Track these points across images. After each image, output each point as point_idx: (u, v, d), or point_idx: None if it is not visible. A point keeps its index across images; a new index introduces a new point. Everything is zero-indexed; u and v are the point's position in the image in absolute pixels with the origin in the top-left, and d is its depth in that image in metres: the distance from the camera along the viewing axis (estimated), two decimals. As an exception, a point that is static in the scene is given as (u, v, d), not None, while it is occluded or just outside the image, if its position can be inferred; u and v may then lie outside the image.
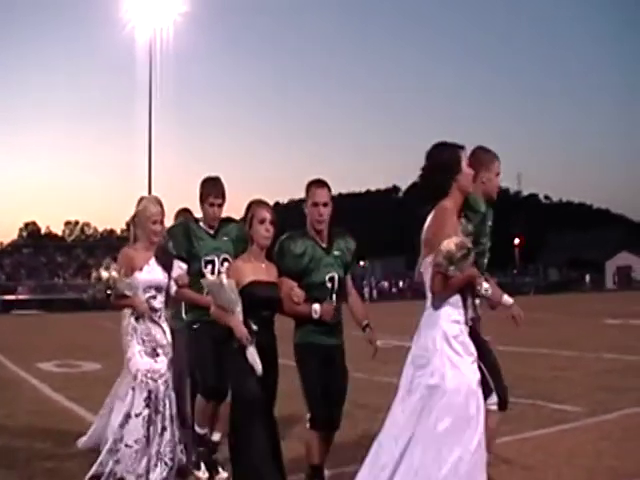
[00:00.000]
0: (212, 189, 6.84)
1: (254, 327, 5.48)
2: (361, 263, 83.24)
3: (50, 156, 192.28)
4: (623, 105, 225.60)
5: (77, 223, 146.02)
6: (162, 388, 6.21)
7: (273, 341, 5.71)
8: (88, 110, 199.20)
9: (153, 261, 6.45)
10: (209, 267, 6.79)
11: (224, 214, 7.01)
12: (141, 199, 6.58)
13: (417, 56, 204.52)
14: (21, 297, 58.96)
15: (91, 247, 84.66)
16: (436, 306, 4.67)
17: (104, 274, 6.25)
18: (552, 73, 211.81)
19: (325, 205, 5.86)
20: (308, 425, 5.81)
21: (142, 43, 60.27)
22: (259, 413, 5.45)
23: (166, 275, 6.49)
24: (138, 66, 63.19)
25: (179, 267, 6.71)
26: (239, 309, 5.48)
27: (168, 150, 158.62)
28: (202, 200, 6.86)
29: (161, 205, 6.50)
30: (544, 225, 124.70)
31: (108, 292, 6.30)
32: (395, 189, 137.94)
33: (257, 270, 5.68)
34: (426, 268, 4.73)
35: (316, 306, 5.74)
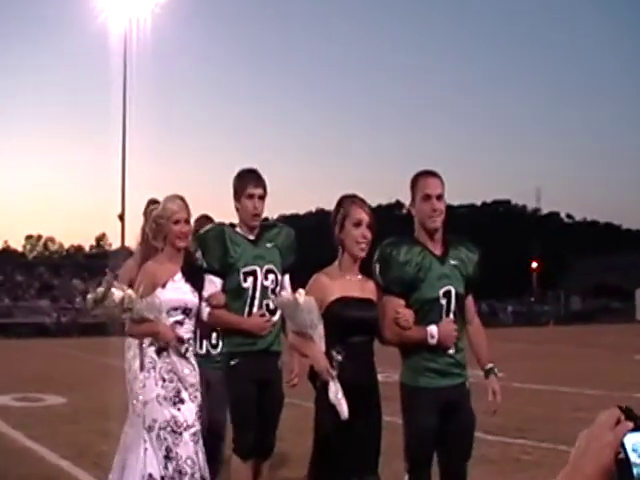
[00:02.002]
0: (250, 179, 6.10)
1: (338, 358, 4.79)
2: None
3: (9, 163, 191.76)
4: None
5: (40, 238, 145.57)
6: (190, 444, 5.42)
7: (370, 376, 5.01)
8: (53, 109, 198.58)
9: (179, 276, 5.69)
10: (249, 280, 5.95)
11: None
12: (151, 202, 6.01)
13: (423, 64, 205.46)
14: (-25, 321, 58.81)
15: (56, 265, 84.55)
16: None
17: (117, 292, 5.44)
18: (577, 76, 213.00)
19: (439, 198, 5.15)
20: None
21: (116, 35, 60.26)
22: (342, 469, 4.79)
23: (196, 294, 5.75)
24: (111, 61, 62.99)
25: (211, 283, 5.93)
26: (319, 334, 4.80)
27: (144, 155, 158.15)
28: (238, 195, 6.08)
29: (183, 201, 5.79)
30: (566, 247, 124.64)
31: (123, 316, 5.51)
32: (399, 204, 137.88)
33: (347, 285, 4.96)
34: None
35: (432, 328, 5.00)
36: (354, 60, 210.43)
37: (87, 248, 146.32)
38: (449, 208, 5.28)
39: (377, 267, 5.15)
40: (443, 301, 5.13)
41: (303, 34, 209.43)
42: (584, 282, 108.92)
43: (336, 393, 4.68)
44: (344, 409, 4.66)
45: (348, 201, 5.07)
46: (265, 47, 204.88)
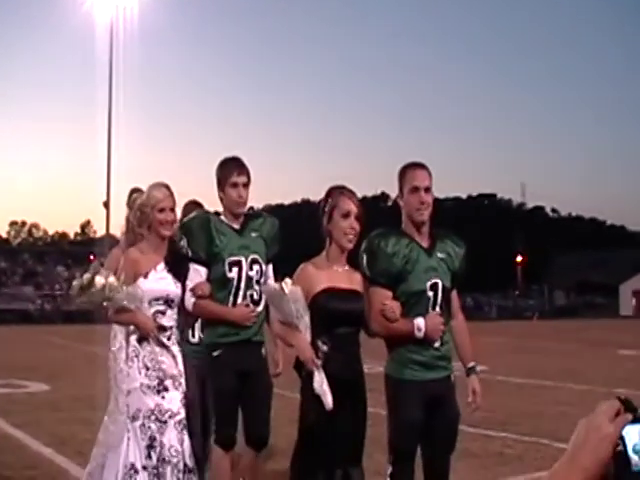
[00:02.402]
0: (234, 166, 5.98)
1: (324, 348, 4.78)
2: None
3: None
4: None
5: (24, 224, 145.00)
6: (174, 432, 5.39)
7: (356, 368, 5.00)
8: (38, 96, 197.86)
9: (162, 266, 5.63)
10: (234, 270, 5.86)
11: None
12: (134, 191, 5.96)
13: (411, 56, 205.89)
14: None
15: (40, 252, 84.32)
16: None
17: (99, 280, 5.33)
18: (563, 73, 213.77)
19: (427, 190, 5.10)
20: None
21: (102, 22, 59.86)
22: (326, 461, 4.80)
23: (179, 284, 5.66)
24: (97, 49, 62.44)
25: (196, 272, 5.84)
26: (305, 324, 4.78)
27: (130, 142, 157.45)
28: (222, 184, 5.96)
29: (169, 189, 5.69)
30: (550, 242, 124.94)
31: (104, 304, 5.41)
32: (384, 196, 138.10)
33: (334, 276, 4.96)
34: None
35: (419, 321, 4.95)
36: (341, 52, 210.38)
37: (72, 235, 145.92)
38: (435, 201, 5.25)
39: (364, 258, 5.10)
40: (430, 294, 5.07)
41: (291, 25, 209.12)
42: (568, 277, 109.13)
43: (321, 383, 4.66)
44: (329, 400, 4.64)
45: (337, 192, 5.04)
46: (253, 37, 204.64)
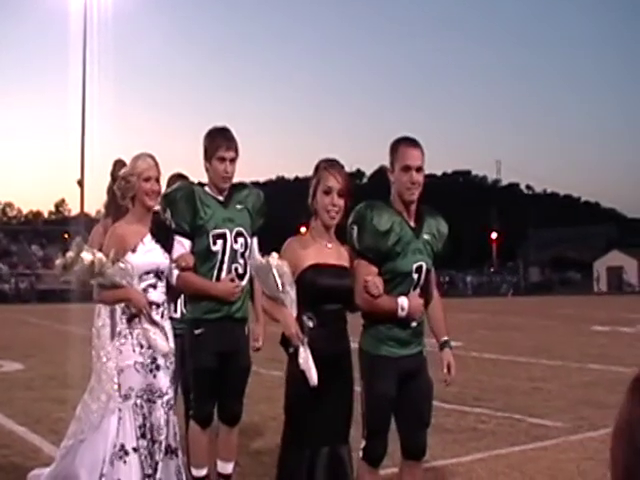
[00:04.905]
0: (222, 140, 5.87)
1: (309, 323, 4.75)
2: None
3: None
4: (618, 85, 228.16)
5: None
6: (162, 411, 5.34)
7: (342, 344, 4.96)
8: (10, 75, 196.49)
9: (149, 238, 5.51)
10: (219, 243, 5.79)
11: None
12: (117, 162, 5.88)
13: (388, 32, 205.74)
14: None
15: (14, 231, 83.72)
16: None
17: (87, 256, 5.20)
18: (538, 48, 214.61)
19: (419, 170, 5.04)
20: (361, 454, 5.04)
21: (76, 1, 59.41)
22: (312, 438, 4.78)
23: (167, 255, 5.59)
24: (71, 25, 62.14)
25: (180, 244, 5.76)
26: (290, 299, 4.71)
27: (104, 120, 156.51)
28: (208, 156, 5.87)
29: (154, 159, 5.57)
30: (525, 219, 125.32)
31: (92, 281, 5.28)
32: (359, 173, 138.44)
33: (322, 252, 4.91)
34: None
35: (403, 300, 4.94)
36: (318, 30, 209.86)
37: (46, 214, 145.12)
38: (425, 179, 5.19)
39: (354, 230, 5.01)
40: (415, 275, 5.07)
41: (266, 3, 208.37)
42: (543, 253, 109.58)
43: (306, 359, 4.61)
44: (313, 375, 4.60)
45: (322, 167, 4.96)
46: (227, 15, 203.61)
